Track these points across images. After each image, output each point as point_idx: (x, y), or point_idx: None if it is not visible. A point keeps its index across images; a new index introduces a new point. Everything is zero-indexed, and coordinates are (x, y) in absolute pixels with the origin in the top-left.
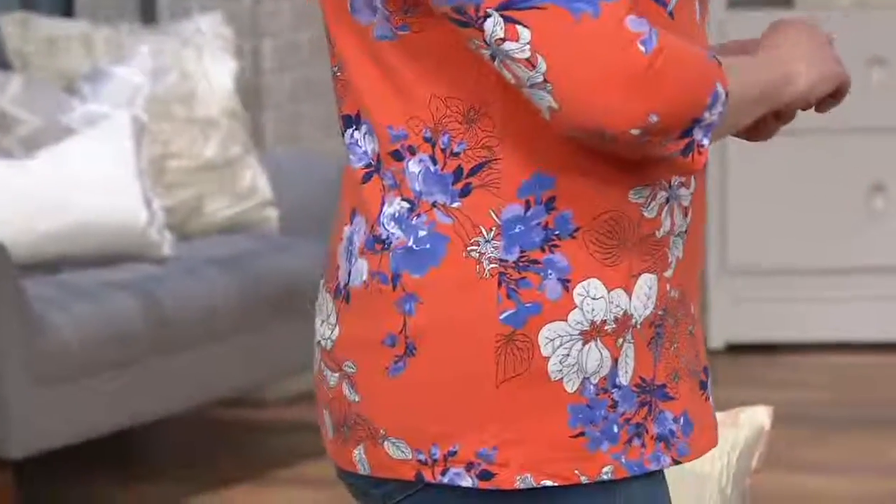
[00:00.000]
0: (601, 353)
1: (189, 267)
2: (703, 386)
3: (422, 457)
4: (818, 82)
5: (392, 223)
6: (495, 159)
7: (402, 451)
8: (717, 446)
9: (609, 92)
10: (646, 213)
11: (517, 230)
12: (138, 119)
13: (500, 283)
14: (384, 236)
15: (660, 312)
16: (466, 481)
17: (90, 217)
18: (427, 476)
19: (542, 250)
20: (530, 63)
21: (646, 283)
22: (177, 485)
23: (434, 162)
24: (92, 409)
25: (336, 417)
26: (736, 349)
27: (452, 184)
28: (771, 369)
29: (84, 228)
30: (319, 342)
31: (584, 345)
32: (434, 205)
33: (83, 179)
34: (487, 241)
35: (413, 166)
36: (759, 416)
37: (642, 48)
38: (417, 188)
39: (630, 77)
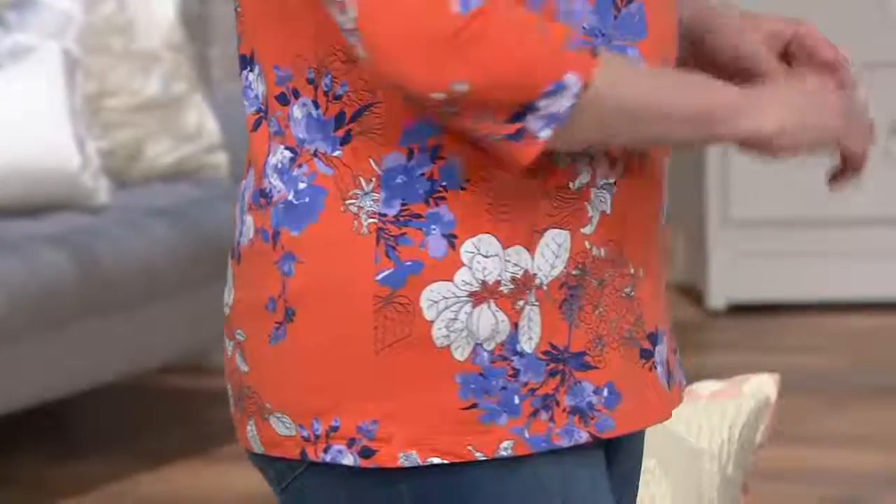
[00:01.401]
0: (496, 317)
1: (127, 218)
2: (647, 354)
3: (305, 433)
4: (797, 128)
5: (275, 175)
6: (377, 102)
7: (287, 427)
8: (716, 419)
9: (411, 48)
10: (555, 163)
11: (399, 181)
12: (70, 52)
13: (378, 240)
14: (268, 189)
15: (574, 272)
16: (348, 459)
17: (15, 161)
18: (310, 454)
19: (427, 203)
20: (342, 6)
21: (553, 240)
22: (113, 461)
23: (316, 106)
24: (17, 377)
25: (233, 390)
26: (738, 309)
27: (334, 130)
28: (778, 332)
29: (8, 173)
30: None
31: (473, 307)
32: (315, 154)
33: (7, 119)
34: (366, 194)
35: (296, 111)
36: (764, 386)
37: (457, 8)
38: (300, 135)
39: (435, 36)
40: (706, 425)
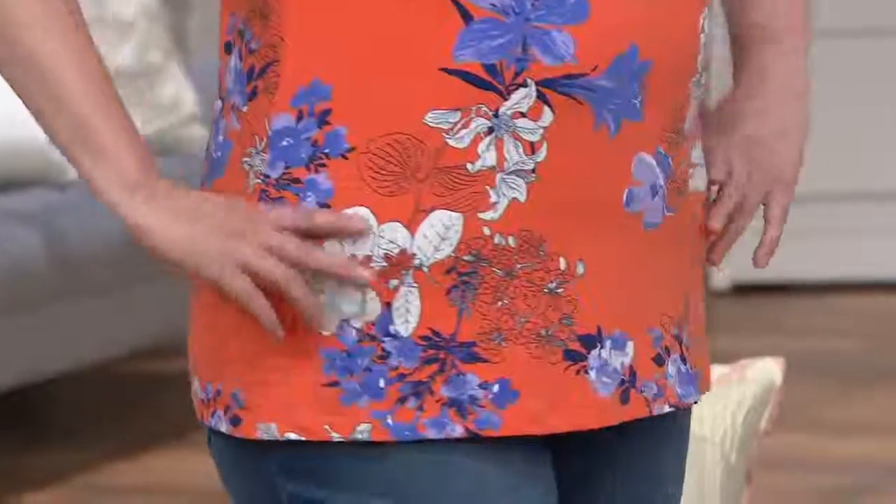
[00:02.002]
0: (362, 295)
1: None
2: (574, 357)
3: (202, 396)
4: (180, 245)
5: (214, 125)
6: (277, 61)
7: (197, 390)
8: (719, 406)
9: None
10: (451, 142)
11: (285, 143)
12: None
13: (259, 202)
14: (210, 141)
15: (466, 258)
16: (223, 426)
17: None
18: (204, 418)
19: (308, 169)
20: None
21: (440, 221)
22: (85, 449)
23: (240, 58)
24: None
25: None
26: (744, 290)
27: (245, 85)
28: (785, 314)
29: None
30: None
31: (339, 282)
32: (233, 107)
33: None
34: (258, 153)
35: (231, 61)
36: (769, 370)
37: None
38: (229, 86)
39: None
40: (708, 412)
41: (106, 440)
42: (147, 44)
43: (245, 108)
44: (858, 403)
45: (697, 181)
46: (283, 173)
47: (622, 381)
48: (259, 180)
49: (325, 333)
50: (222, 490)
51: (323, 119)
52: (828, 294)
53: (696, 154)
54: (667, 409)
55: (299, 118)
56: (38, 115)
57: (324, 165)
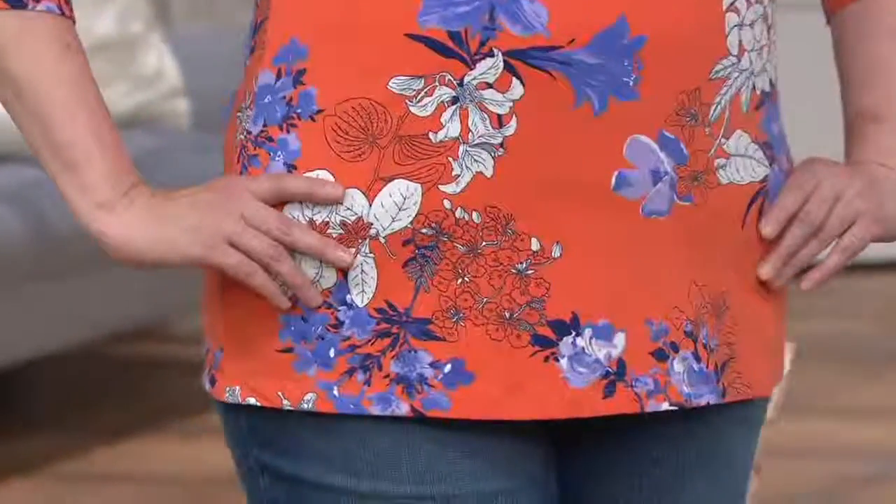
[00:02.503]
0: (319, 261)
1: None
2: (542, 342)
3: (202, 353)
4: (151, 246)
5: None
6: (267, 18)
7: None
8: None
9: None
10: (414, 110)
11: (266, 100)
12: None
13: (239, 158)
14: None
15: (425, 231)
16: (206, 384)
17: None
18: (203, 375)
19: (281, 128)
20: None
21: (398, 191)
22: (66, 437)
23: (253, 13)
24: None
25: None
26: None
27: (251, 39)
28: (794, 294)
29: None
30: None
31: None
32: (245, 61)
33: None
34: (246, 108)
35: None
36: None
37: None
38: (248, 42)
39: None
40: None
41: (85, 426)
42: (127, 13)
43: (247, 63)
44: (870, 388)
45: (735, 173)
46: (262, 130)
47: (606, 373)
48: (242, 136)
49: (314, 306)
50: (203, 477)
51: (298, 79)
52: (845, 274)
53: (737, 143)
54: (665, 407)
55: (278, 76)
56: (18, 126)
57: (294, 126)
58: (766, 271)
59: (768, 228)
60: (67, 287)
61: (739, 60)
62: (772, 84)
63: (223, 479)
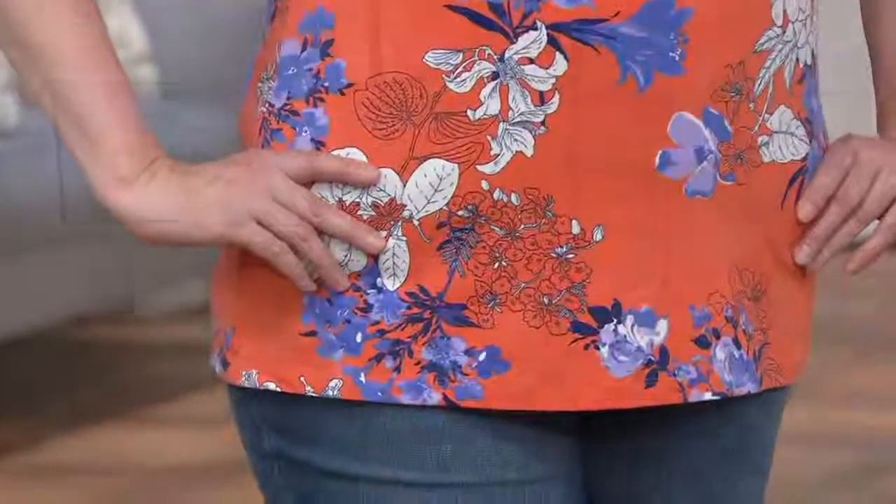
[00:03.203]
0: (350, 243)
1: (40, 143)
2: (583, 330)
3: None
4: (168, 217)
5: None
6: None
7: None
8: None
9: None
10: (452, 86)
11: (290, 72)
12: None
13: (261, 131)
14: None
15: (461, 213)
16: (217, 366)
17: None
18: (213, 360)
19: (307, 102)
20: None
21: (434, 171)
22: (27, 423)
23: None
24: None
25: None
26: None
27: (271, 3)
28: None
29: None
30: None
31: None
32: (265, 28)
33: None
34: (268, 79)
35: None
36: None
37: None
38: (270, 8)
39: None
40: None
41: (49, 413)
42: None
43: (268, 28)
44: (872, 371)
45: (778, 151)
46: (286, 104)
47: (649, 362)
48: (264, 108)
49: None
50: (173, 468)
51: (325, 50)
52: (839, 253)
53: (780, 119)
54: (708, 396)
55: (304, 46)
56: (38, 96)
57: (322, 100)
58: (803, 255)
59: (806, 210)
60: (27, 265)
61: (784, 32)
62: (813, 56)
63: (190, 470)
